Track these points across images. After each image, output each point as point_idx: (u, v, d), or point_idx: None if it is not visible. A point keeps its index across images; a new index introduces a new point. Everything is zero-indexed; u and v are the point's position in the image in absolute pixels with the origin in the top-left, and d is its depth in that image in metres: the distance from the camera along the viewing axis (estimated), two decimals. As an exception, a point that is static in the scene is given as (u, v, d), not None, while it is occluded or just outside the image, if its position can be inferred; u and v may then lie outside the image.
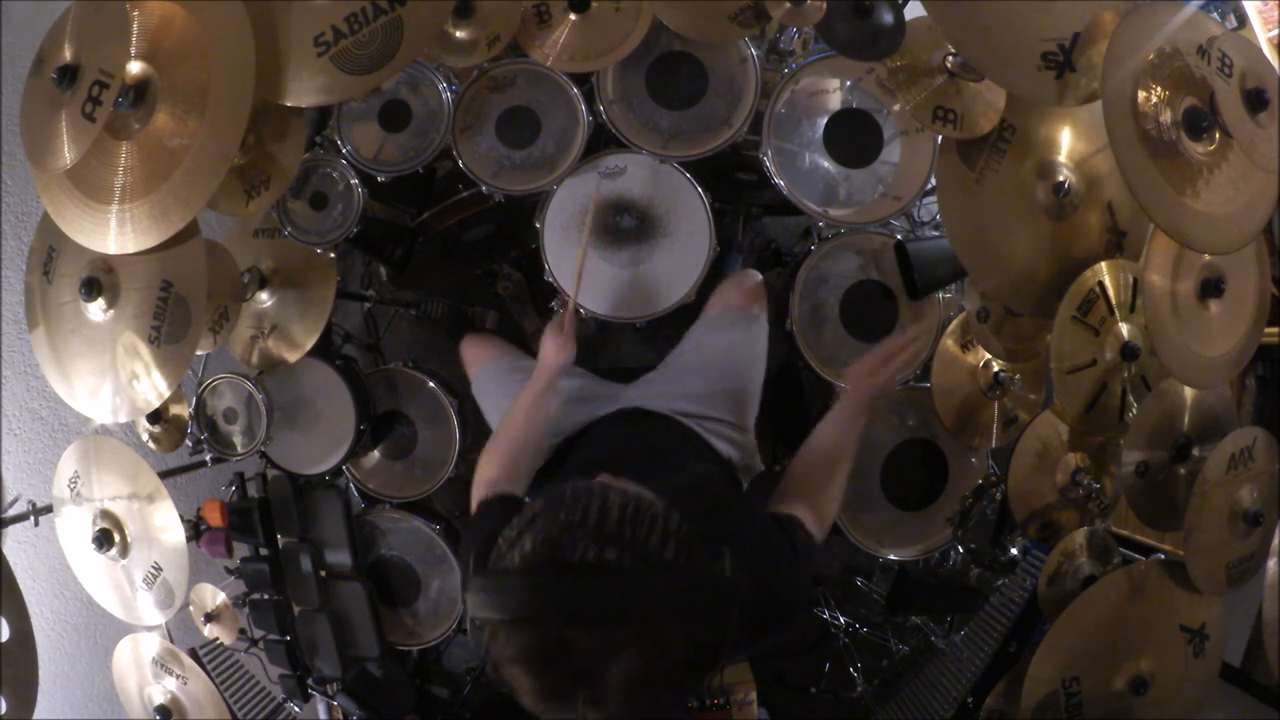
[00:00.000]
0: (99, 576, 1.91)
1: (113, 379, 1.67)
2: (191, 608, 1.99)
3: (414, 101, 1.88)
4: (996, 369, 1.85)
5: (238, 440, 1.94)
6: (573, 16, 1.77)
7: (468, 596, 0.81)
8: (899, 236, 1.90)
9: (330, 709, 2.16)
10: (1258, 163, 1.46)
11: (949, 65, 1.63)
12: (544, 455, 1.44)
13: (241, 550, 2.08)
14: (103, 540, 1.81)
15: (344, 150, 1.87)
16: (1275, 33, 1.77)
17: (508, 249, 2.36)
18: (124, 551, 1.84)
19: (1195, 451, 1.73)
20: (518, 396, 1.43)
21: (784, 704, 2.47)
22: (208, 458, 1.99)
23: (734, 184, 2.17)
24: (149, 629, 1.96)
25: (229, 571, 2.11)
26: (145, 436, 1.99)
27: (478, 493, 1.25)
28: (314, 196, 1.87)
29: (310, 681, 2.11)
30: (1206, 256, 1.59)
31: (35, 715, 1.79)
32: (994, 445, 1.92)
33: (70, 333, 1.71)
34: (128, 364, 1.65)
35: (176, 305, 1.59)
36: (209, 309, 1.66)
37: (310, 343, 1.89)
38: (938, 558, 2.17)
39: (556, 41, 1.78)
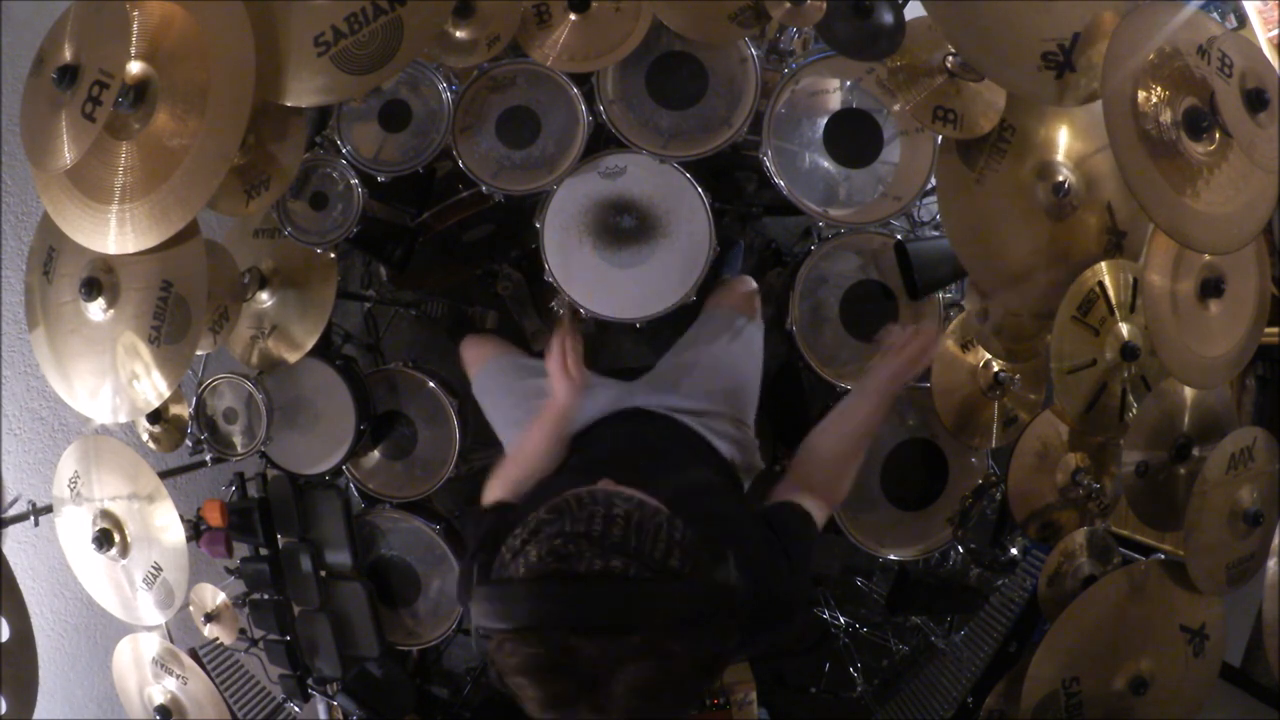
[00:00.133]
0: (99, 576, 1.91)
1: (113, 379, 1.67)
2: (191, 608, 1.99)
3: (414, 101, 1.88)
4: (996, 369, 1.85)
5: (238, 440, 1.94)
6: (573, 16, 1.77)
7: (472, 606, 0.81)
8: (899, 236, 1.91)
9: (330, 709, 2.16)
10: (1258, 163, 1.46)
11: (949, 65, 1.63)
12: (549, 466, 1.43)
13: (241, 550, 2.08)
14: (103, 540, 1.81)
15: (344, 150, 1.87)
16: (1275, 33, 1.77)
17: (508, 249, 2.36)
18: (124, 551, 1.84)
19: (1195, 451, 1.73)
20: (529, 429, 1.39)
21: (784, 704, 2.47)
22: (208, 458, 1.99)
23: (734, 184, 2.17)
24: (149, 629, 1.96)
25: (229, 571, 2.11)
26: (145, 436, 1.99)
27: (487, 497, 1.26)
28: (314, 196, 1.87)
29: (310, 681, 2.11)
30: (1206, 256, 1.59)
31: (35, 715, 1.79)
32: (994, 445, 1.92)
33: (70, 333, 1.71)
34: (128, 364, 1.65)
35: (176, 305, 1.59)
36: (209, 309, 1.66)
37: (310, 343, 1.89)
38: (938, 558, 2.17)
39: (556, 41, 1.78)
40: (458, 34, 1.76)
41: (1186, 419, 1.73)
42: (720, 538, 0.91)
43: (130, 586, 1.87)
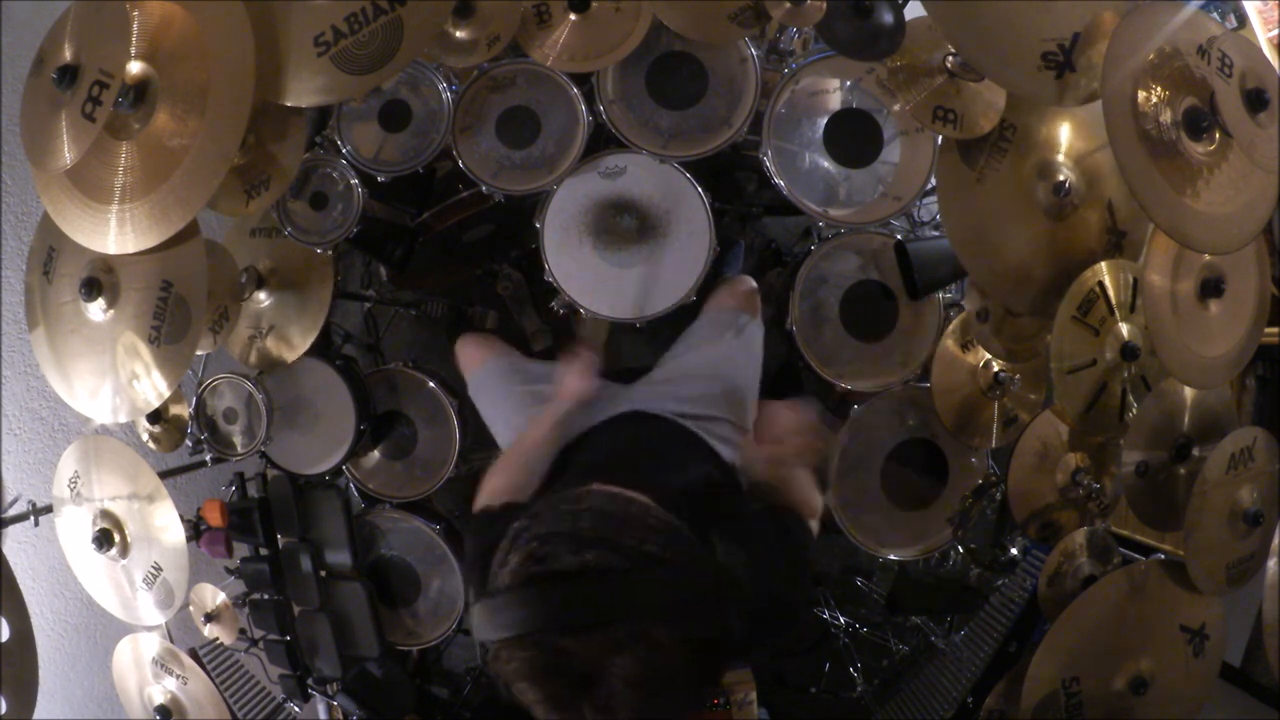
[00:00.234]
0: (99, 576, 1.91)
1: (113, 379, 1.67)
2: (191, 608, 1.99)
3: (414, 101, 1.88)
4: (996, 369, 1.85)
5: (238, 440, 1.94)
6: (573, 16, 1.77)
7: (471, 625, 0.81)
8: (899, 236, 1.90)
9: (330, 709, 2.16)
10: (1258, 163, 1.46)
11: (949, 65, 1.63)
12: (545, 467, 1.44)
13: (241, 550, 2.08)
14: (103, 540, 1.81)
15: (344, 150, 1.87)
16: (1275, 33, 1.77)
17: (508, 249, 2.36)
18: (124, 551, 1.84)
19: (1195, 451, 1.73)
20: (534, 419, 1.40)
21: (784, 704, 2.47)
22: (208, 458, 1.99)
23: (734, 184, 2.17)
24: (149, 629, 1.96)
25: (229, 571, 2.11)
26: (145, 436, 1.99)
27: (479, 501, 1.24)
28: (314, 196, 1.87)
29: (310, 681, 2.11)
30: (1206, 256, 1.59)
31: (35, 715, 1.79)
32: (994, 445, 1.92)
33: (70, 333, 1.71)
34: (128, 364, 1.65)
35: (176, 305, 1.59)
36: (209, 309, 1.66)
37: (307, 343, 1.89)
38: (938, 558, 2.17)
39: (556, 41, 1.78)
40: (458, 34, 1.76)
41: (1186, 419, 1.73)
42: (725, 536, 0.90)
43: (130, 586, 1.87)
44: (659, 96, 1.86)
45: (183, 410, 1.96)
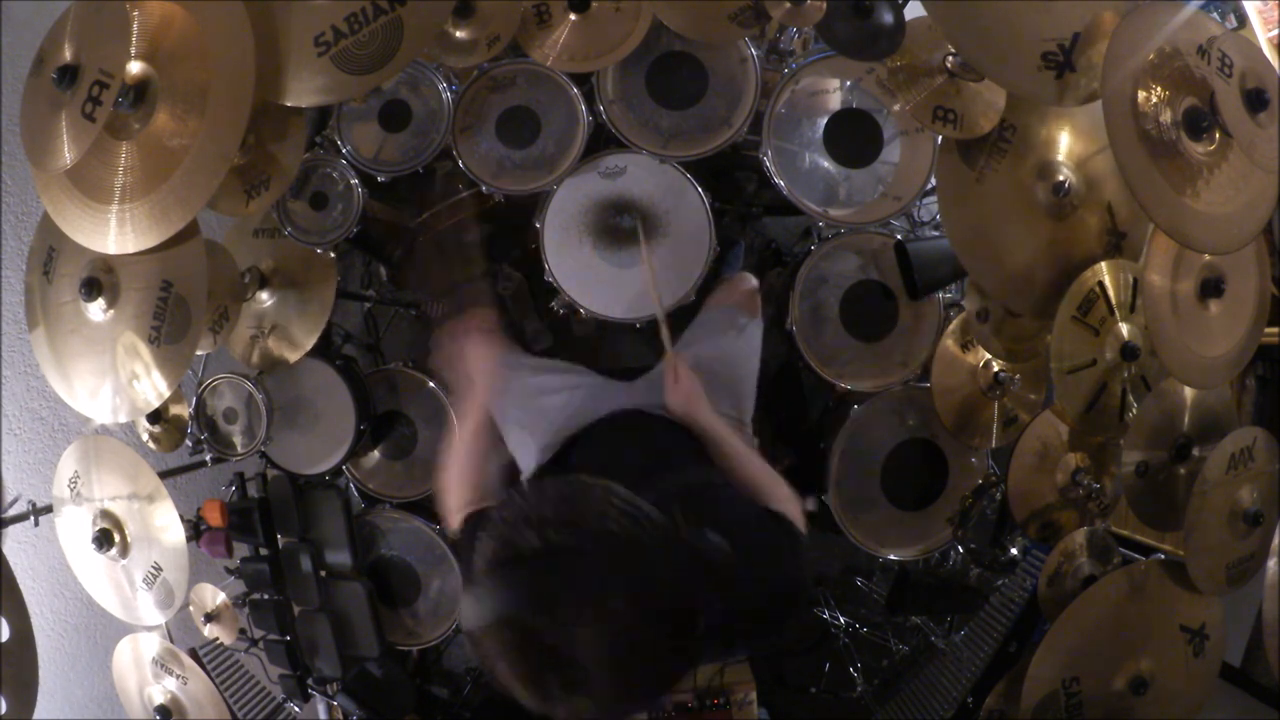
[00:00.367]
0: (99, 576, 1.90)
1: (113, 379, 1.67)
2: (191, 608, 1.99)
3: (414, 101, 1.88)
4: (996, 369, 1.85)
5: (238, 440, 1.94)
6: (573, 16, 1.77)
7: (460, 617, 0.84)
8: (899, 236, 1.90)
9: (330, 709, 2.16)
10: (1258, 163, 1.46)
11: (949, 65, 1.63)
12: (502, 464, 1.44)
13: (241, 550, 2.08)
14: (103, 540, 1.80)
15: (344, 150, 1.87)
16: (1275, 33, 1.77)
17: (508, 249, 2.36)
18: (124, 551, 1.83)
19: (1195, 451, 1.73)
20: (459, 433, 1.42)
21: (784, 704, 2.47)
22: (208, 458, 1.99)
23: (734, 184, 2.17)
24: (149, 629, 1.96)
25: (229, 571, 2.11)
26: (145, 436, 1.99)
27: (454, 520, 1.26)
28: (314, 196, 1.87)
29: (310, 681, 2.11)
30: (1206, 256, 1.59)
31: (35, 715, 1.79)
32: (994, 445, 1.92)
33: (70, 333, 1.71)
34: (128, 364, 1.65)
35: (176, 305, 1.59)
36: (209, 309, 1.66)
37: (310, 342, 1.89)
38: (938, 558, 2.17)
39: (556, 41, 1.78)
40: (458, 34, 1.76)
41: (1186, 419, 1.73)
42: (726, 535, 0.91)
43: (130, 586, 1.87)
44: (659, 96, 1.86)
45: (183, 410, 1.96)
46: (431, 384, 2.06)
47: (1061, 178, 1.60)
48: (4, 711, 1.73)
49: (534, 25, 1.79)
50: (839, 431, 1.95)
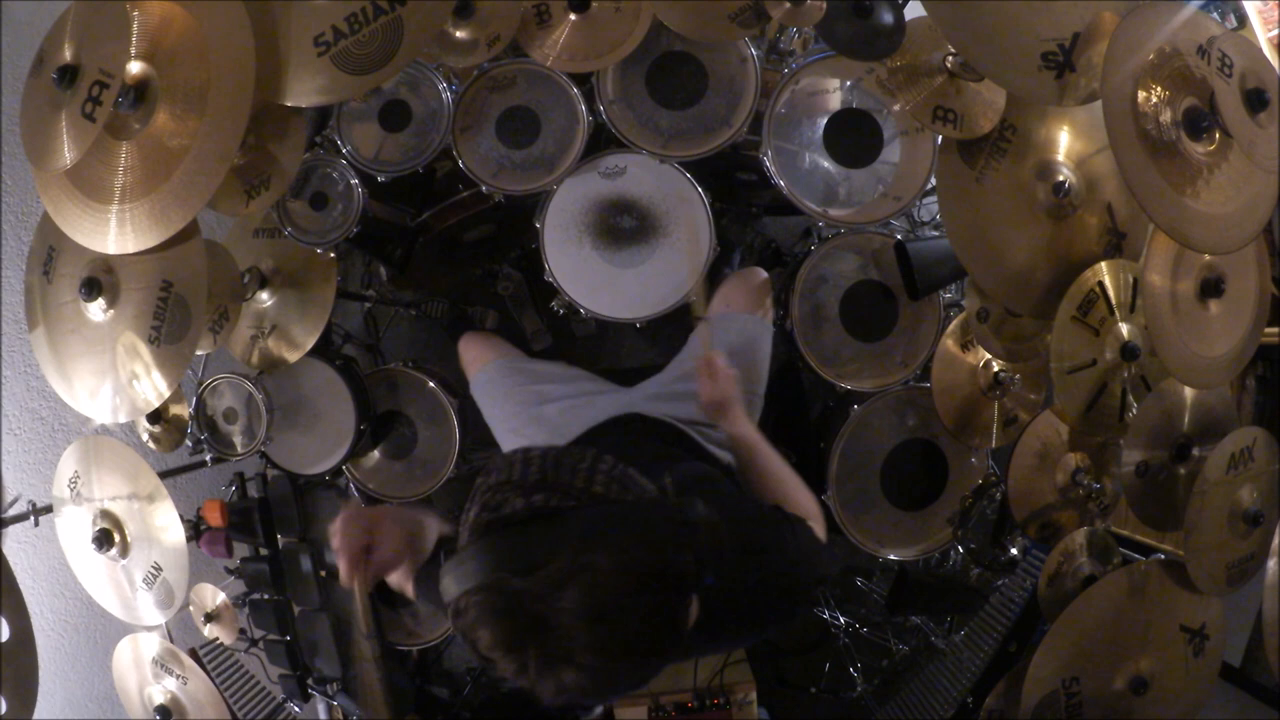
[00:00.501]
0: (99, 576, 1.91)
1: (113, 379, 1.67)
2: (191, 608, 1.99)
3: (414, 101, 1.88)
4: (996, 369, 1.85)
5: (238, 440, 1.94)
6: (573, 16, 1.77)
7: (440, 590, 0.81)
8: (899, 236, 1.90)
9: (330, 709, 2.16)
10: (1258, 163, 1.46)
11: (949, 65, 1.63)
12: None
13: (241, 550, 2.08)
14: (103, 540, 1.81)
15: (344, 150, 1.87)
16: (1275, 33, 1.77)
17: (508, 249, 2.36)
18: (124, 551, 1.84)
19: (1195, 451, 1.73)
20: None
21: (784, 704, 2.47)
22: (208, 458, 1.99)
23: (734, 184, 2.17)
24: (149, 629, 1.96)
25: (229, 571, 2.11)
26: (145, 436, 1.99)
27: (409, 588, 1.23)
28: (314, 196, 1.87)
29: (310, 681, 2.11)
30: (1206, 256, 1.59)
31: (35, 715, 1.79)
32: (994, 445, 1.92)
33: (70, 333, 1.71)
34: (128, 364, 1.65)
35: (176, 305, 1.59)
36: (209, 309, 1.67)
37: (310, 343, 1.89)
38: (938, 558, 2.16)
39: (556, 41, 1.78)
40: (458, 34, 1.76)
41: (1186, 419, 1.73)
42: (709, 504, 0.89)
43: (130, 586, 1.87)
44: (659, 96, 1.86)
45: (183, 410, 1.96)
46: (431, 384, 2.06)
47: (1061, 178, 1.60)
48: (4, 711, 1.73)
49: (534, 25, 1.79)
50: (839, 431, 1.95)
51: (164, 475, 1.86)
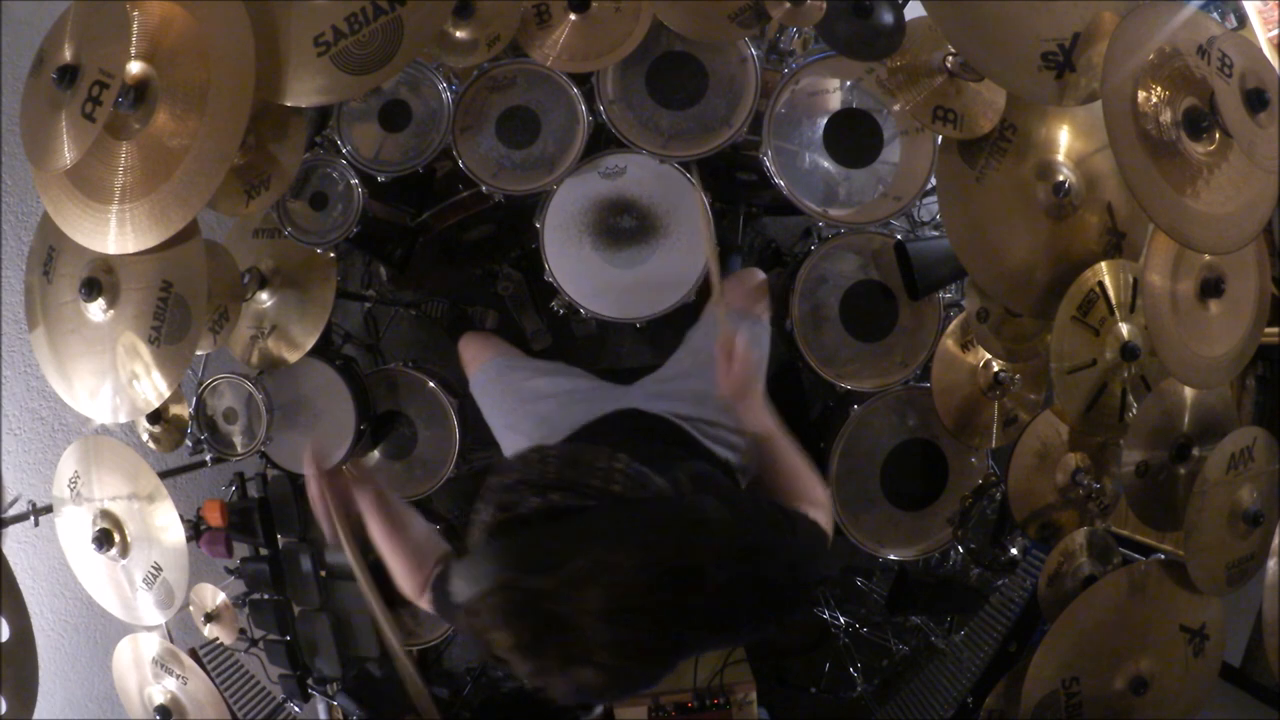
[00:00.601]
0: (99, 576, 1.91)
1: (113, 379, 1.67)
2: (191, 608, 1.99)
3: (414, 101, 1.88)
4: (996, 369, 1.85)
5: (238, 440, 1.94)
6: (573, 16, 1.77)
7: (451, 591, 0.80)
8: (899, 236, 1.90)
9: (330, 709, 2.16)
10: (1258, 163, 1.46)
11: (949, 65, 1.63)
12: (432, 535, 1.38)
13: (241, 550, 2.08)
14: (103, 540, 1.81)
15: (344, 150, 1.87)
16: (1275, 33, 1.77)
17: (508, 249, 2.36)
18: (124, 551, 1.84)
19: (1195, 451, 1.73)
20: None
21: (784, 704, 2.47)
22: (208, 458, 1.99)
23: (734, 184, 2.17)
24: (149, 629, 1.96)
25: (229, 571, 2.11)
26: (145, 436, 1.99)
27: (423, 600, 1.21)
28: (314, 196, 1.87)
29: (310, 681, 2.11)
30: (1206, 256, 1.59)
31: (35, 715, 1.79)
32: (994, 445, 1.92)
33: (70, 333, 1.71)
34: (128, 364, 1.65)
35: (176, 305, 1.59)
36: (209, 309, 1.67)
37: (310, 343, 1.89)
38: (938, 558, 2.16)
39: (556, 41, 1.78)
40: (458, 34, 1.76)
41: (1186, 419, 1.73)
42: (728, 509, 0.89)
43: (130, 586, 1.87)
44: (659, 96, 1.86)
45: (183, 410, 1.96)
46: (431, 384, 2.06)
47: (1061, 177, 1.60)
48: (4, 711, 1.73)
49: (534, 25, 1.79)
50: (839, 431, 1.95)
51: (164, 475, 1.86)
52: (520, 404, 1.69)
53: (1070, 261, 1.62)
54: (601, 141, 1.90)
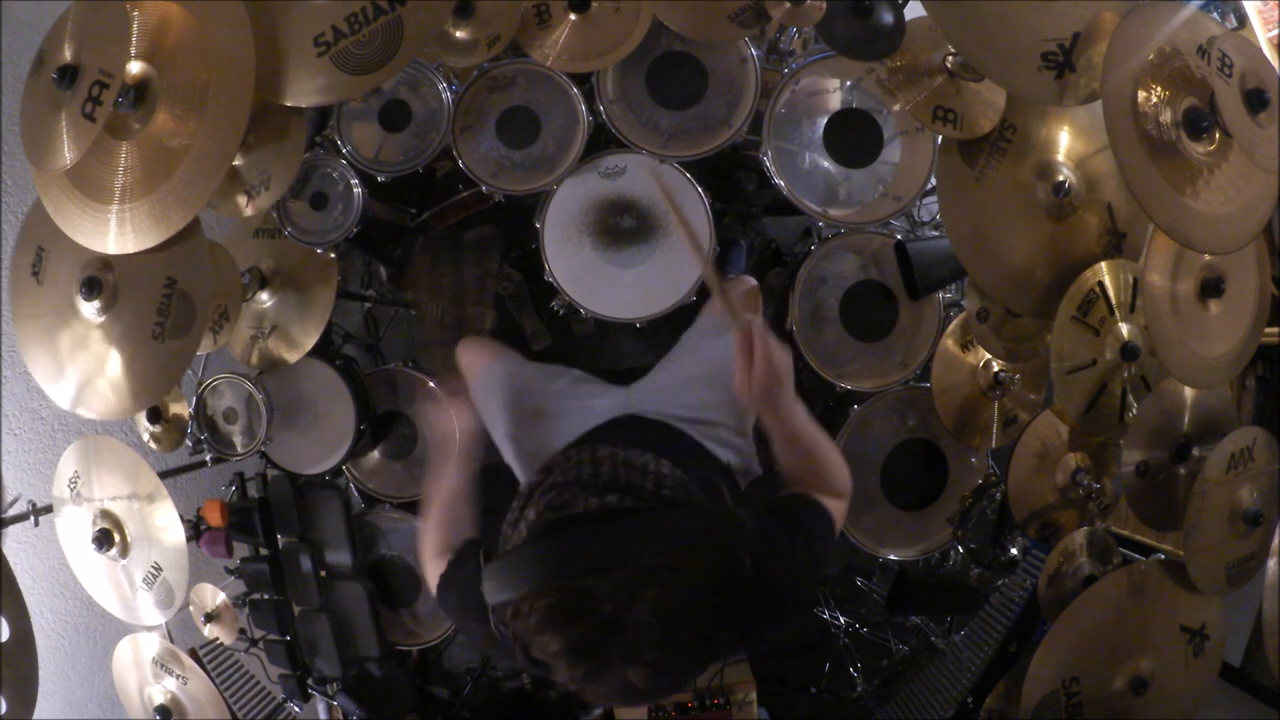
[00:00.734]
0: (99, 576, 1.91)
1: (104, 377, 1.67)
2: (191, 608, 1.99)
3: (414, 101, 1.88)
4: (996, 369, 1.85)
5: (238, 440, 1.94)
6: (573, 16, 1.77)
7: (484, 589, 0.80)
8: (899, 236, 1.90)
9: (330, 709, 2.16)
10: (1258, 163, 1.46)
11: (949, 65, 1.63)
12: (475, 506, 1.40)
13: (241, 550, 2.08)
14: (103, 540, 1.81)
15: (344, 150, 1.87)
16: (1275, 33, 1.77)
17: (508, 249, 2.36)
18: (124, 551, 1.84)
19: (1195, 451, 1.73)
20: (441, 472, 1.34)
21: (784, 704, 2.47)
22: (208, 458, 1.99)
23: (734, 184, 2.17)
24: (149, 629, 1.96)
25: (229, 571, 2.11)
26: (145, 436, 1.99)
27: (433, 570, 1.20)
28: (314, 196, 1.87)
29: (310, 681, 2.11)
30: (1206, 256, 1.59)
31: (35, 715, 1.79)
32: (994, 445, 1.92)
33: (67, 332, 1.71)
34: (118, 362, 1.64)
35: (180, 301, 1.59)
36: (210, 307, 1.66)
37: (310, 343, 1.89)
38: (938, 558, 2.16)
39: (556, 41, 1.78)
40: (458, 34, 1.76)
41: (1186, 419, 1.73)
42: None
43: (130, 586, 1.87)
44: (659, 96, 1.86)
45: (183, 410, 1.96)
46: (431, 384, 2.06)
47: (1061, 178, 1.60)
48: (4, 711, 1.73)
49: (534, 25, 1.79)
50: (839, 431, 1.95)
51: (164, 475, 1.86)
52: (520, 410, 1.69)
53: (1070, 261, 1.62)
54: (601, 141, 1.90)
